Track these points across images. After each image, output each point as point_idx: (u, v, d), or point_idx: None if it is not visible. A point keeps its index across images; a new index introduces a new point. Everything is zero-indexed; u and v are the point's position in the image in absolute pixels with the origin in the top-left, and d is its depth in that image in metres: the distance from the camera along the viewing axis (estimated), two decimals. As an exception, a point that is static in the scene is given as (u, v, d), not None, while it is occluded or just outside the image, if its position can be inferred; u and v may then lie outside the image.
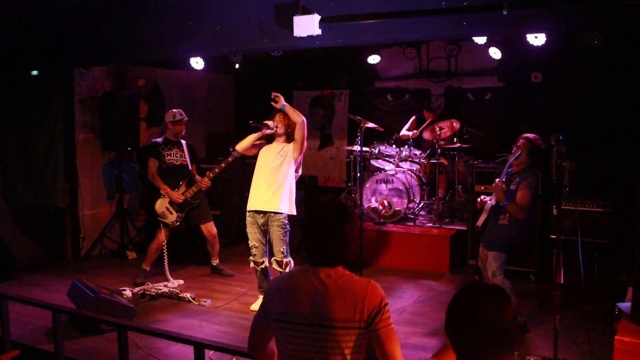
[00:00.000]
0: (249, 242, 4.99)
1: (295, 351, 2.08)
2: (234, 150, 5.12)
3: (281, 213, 4.82)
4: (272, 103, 4.84)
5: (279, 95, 4.83)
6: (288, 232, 4.88)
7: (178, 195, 5.73)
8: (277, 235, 4.83)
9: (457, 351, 1.70)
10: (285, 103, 4.84)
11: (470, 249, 5.99)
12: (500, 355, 1.64)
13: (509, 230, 4.36)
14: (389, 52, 8.06)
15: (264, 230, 4.93)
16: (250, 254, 5.01)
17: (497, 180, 4.38)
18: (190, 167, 5.93)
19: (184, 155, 5.91)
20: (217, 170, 5.65)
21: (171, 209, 5.73)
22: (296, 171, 4.99)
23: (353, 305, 2.03)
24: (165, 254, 5.67)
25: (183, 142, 5.95)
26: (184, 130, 5.93)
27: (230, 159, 5.32)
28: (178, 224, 5.74)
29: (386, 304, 2.08)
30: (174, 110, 5.95)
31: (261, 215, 4.88)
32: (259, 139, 4.98)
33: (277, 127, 4.91)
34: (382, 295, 2.09)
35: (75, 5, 5.33)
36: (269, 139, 5.01)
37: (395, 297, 5.39)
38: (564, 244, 3.64)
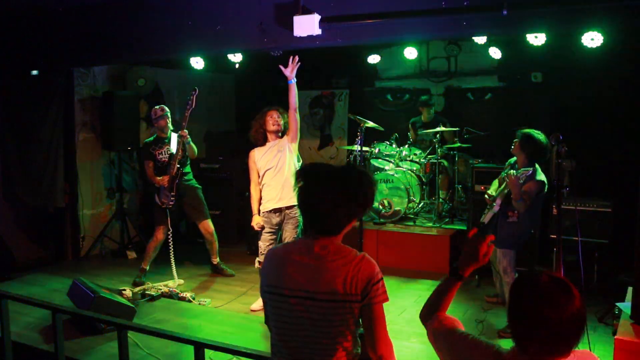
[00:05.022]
0: (261, 243, 4.92)
1: (285, 323, 2.03)
2: (195, 90, 5.43)
3: (295, 205, 4.70)
4: (281, 67, 4.69)
5: (294, 62, 4.67)
6: (300, 230, 4.85)
7: (162, 178, 5.72)
8: (291, 234, 4.81)
9: (520, 344, 1.61)
10: (295, 79, 4.73)
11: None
12: (566, 349, 1.57)
13: (518, 227, 4.36)
14: (389, 52, 8.06)
15: (277, 230, 4.90)
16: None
17: (511, 172, 4.25)
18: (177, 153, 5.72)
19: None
20: (186, 115, 5.54)
21: (166, 193, 5.71)
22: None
23: (344, 279, 1.95)
24: (171, 252, 5.65)
25: (174, 135, 5.82)
26: (168, 124, 5.83)
27: (193, 98, 5.45)
28: (173, 200, 5.70)
29: (381, 278, 2.01)
30: (155, 107, 5.90)
31: (277, 214, 4.85)
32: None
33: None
34: (377, 269, 2.01)
35: (75, 5, 5.34)
36: (262, 141, 4.96)
37: (395, 297, 5.37)
38: (564, 243, 3.63)
